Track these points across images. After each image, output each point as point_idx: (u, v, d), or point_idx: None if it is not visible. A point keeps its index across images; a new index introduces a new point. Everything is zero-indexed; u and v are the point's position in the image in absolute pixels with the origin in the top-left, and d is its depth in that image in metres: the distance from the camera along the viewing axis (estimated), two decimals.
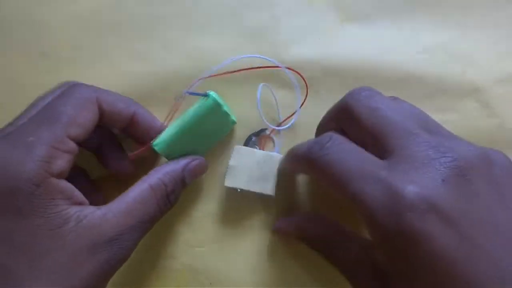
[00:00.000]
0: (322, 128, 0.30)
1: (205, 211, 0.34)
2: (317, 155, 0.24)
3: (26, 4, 0.37)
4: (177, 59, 0.36)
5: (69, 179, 0.26)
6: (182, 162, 0.30)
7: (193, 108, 0.31)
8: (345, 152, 0.23)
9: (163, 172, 0.29)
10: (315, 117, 0.31)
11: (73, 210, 0.24)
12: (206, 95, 0.31)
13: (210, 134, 0.32)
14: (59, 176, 0.24)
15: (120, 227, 0.25)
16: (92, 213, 0.25)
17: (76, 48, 0.36)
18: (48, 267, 0.23)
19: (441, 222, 0.19)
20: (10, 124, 0.27)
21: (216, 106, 0.30)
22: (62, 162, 0.25)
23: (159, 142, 0.30)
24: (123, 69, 0.36)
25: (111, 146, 0.33)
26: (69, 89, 0.28)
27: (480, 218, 0.20)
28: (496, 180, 0.21)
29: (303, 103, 0.34)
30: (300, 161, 0.26)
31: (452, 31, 0.36)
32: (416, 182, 0.20)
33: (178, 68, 0.36)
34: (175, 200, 0.29)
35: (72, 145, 0.26)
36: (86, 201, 0.26)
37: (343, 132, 0.26)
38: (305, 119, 0.34)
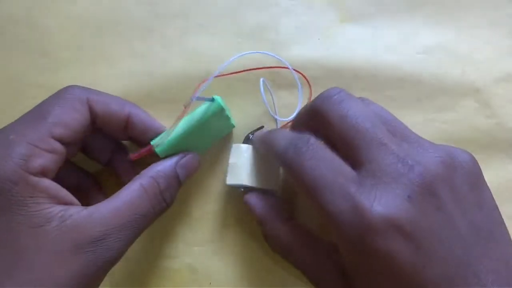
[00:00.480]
0: (298, 123, 0.30)
1: (204, 211, 0.34)
2: (291, 158, 0.24)
3: (26, 5, 0.37)
4: (177, 59, 0.36)
5: (67, 179, 0.26)
6: (173, 159, 0.29)
7: (198, 112, 0.30)
8: (319, 159, 0.24)
9: (155, 171, 0.28)
10: None
11: (57, 209, 0.24)
12: (212, 100, 0.30)
13: (210, 136, 0.32)
14: (40, 174, 0.24)
15: (106, 227, 0.24)
16: (78, 213, 0.24)
17: (76, 48, 0.36)
18: (29, 265, 0.22)
19: (402, 238, 0.21)
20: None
21: (221, 111, 0.30)
22: (44, 161, 0.24)
23: (161, 144, 0.30)
24: (122, 69, 0.36)
25: (122, 161, 0.32)
26: (59, 90, 0.28)
27: (440, 228, 0.21)
28: (458, 186, 0.23)
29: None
30: (274, 156, 0.26)
31: (451, 31, 0.36)
32: (382, 201, 0.21)
33: (177, 68, 0.36)
34: (170, 198, 0.29)
35: (57, 145, 0.25)
36: (76, 201, 0.26)
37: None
38: None
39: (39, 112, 0.26)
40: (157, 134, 0.31)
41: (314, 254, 0.28)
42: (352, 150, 0.24)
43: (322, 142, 0.25)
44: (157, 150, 0.30)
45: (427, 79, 0.35)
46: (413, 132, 0.26)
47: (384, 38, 0.36)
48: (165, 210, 0.29)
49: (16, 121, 0.26)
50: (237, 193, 0.33)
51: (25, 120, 0.26)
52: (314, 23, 0.36)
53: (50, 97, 0.27)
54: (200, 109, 0.30)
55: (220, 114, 0.30)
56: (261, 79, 0.32)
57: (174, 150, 0.30)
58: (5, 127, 0.26)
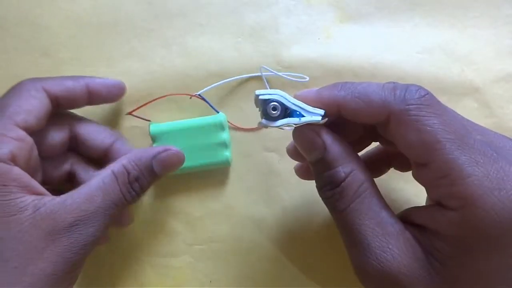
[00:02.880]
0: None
1: (205, 210, 0.34)
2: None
3: (26, 4, 0.37)
4: (177, 58, 0.36)
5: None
6: (153, 150, 0.28)
7: (200, 118, 0.33)
8: (447, 115, 0.21)
9: (128, 159, 0.27)
10: None
11: (30, 198, 0.24)
12: (217, 112, 0.33)
13: (202, 150, 0.33)
14: (10, 161, 0.24)
15: (79, 213, 0.24)
16: (51, 201, 0.24)
17: (76, 47, 0.36)
18: (4, 255, 0.22)
19: None
20: None
21: (219, 124, 0.32)
22: (12, 147, 0.24)
23: (155, 123, 0.32)
24: (122, 69, 0.36)
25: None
26: (13, 86, 0.29)
27: None
28: None
29: None
30: (368, 107, 0.22)
31: (451, 31, 0.36)
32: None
33: (177, 68, 0.36)
34: (140, 189, 0.28)
35: (21, 133, 0.26)
36: (47, 192, 0.26)
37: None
38: None
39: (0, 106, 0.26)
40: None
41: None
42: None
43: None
44: (151, 127, 0.32)
45: (426, 79, 0.35)
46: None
47: (383, 38, 0.36)
48: (137, 200, 0.28)
49: None
50: (237, 192, 0.33)
51: None
52: (314, 23, 0.36)
53: (5, 93, 0.28)
54: (203, 117, 0.33)
55: (218, 127, 0.32)
56: (261, 67, 0.32)
57: (166, 137, 0.32)
58: None
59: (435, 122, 0.21)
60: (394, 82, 0.23)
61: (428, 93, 0.22)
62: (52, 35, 0.36)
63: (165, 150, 0.29)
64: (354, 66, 0.35)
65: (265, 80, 0.33)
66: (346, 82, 0.24)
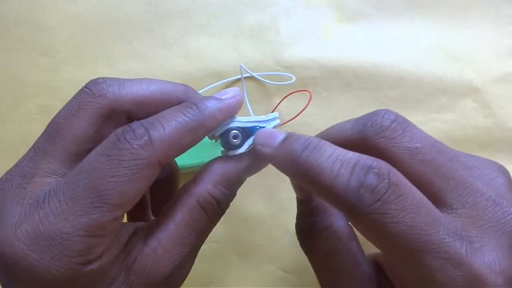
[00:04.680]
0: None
1: None
2: (367, 207, 0.18)
3: (26, 4, 0.37)
4: (176, 58, 0.36)
5: None
6: (241, 164, 0.23)
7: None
8: (411, 211, 0.18)
9: (214, 183, 0.23)
10: (315, 116, 0.31)
11: (117, 264, 0.20)
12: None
13: (202, 152, 0.30)
14: (99, 259, 0.20)
15: (174, 262, 0.21)
16: (141, 255, 0.21)
17: (76, 48, 0.36)
18: None
19: None
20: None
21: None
22: (102, 248, 0.20)
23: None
24: (122, 69, 0.36)
25: None
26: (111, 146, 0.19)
27: None
28: None
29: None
30: (331, 197, 0.19)
31: (450, 31, 0.36)
32: (495, 263, 0.18)
33: (177, 68, 0.36)
34: (227, 206, 0.24)
35: (117, 226, 0.21)
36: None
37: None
38: (305, 119, 0.34)
39: (94, 189, 0.19)
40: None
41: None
42: (434, 191, 0.20)
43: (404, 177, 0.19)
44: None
45: (426, 79, 0.35)
46: (469, 154, 0.23)
47: (383, 38, 0.36)
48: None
49: (64, 197, 0.19)
50: (238, 192, 0.33)
51: (77, 200, 0.19)
52: (314, 23, 0.36)
53: (102, 159, 0.19)
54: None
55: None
56: (241, 64, 0.31)
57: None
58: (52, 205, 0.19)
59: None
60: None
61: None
62: (52, 35, 0.36)
63: (256, 160, 0.24)
64: (354, 66, 0.35)
65: (243, 82, 0.33)
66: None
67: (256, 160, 0.24)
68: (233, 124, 0.23)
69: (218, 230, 0.34)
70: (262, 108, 0.35)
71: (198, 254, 0.34)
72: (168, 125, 0.20)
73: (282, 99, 0.34)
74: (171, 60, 0.36)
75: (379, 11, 0.36)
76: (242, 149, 0.23)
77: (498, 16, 0.36)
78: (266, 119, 0.24)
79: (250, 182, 0.35)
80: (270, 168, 0.35)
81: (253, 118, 0.23)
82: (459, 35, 0.36)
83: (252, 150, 0.24)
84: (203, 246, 0.34)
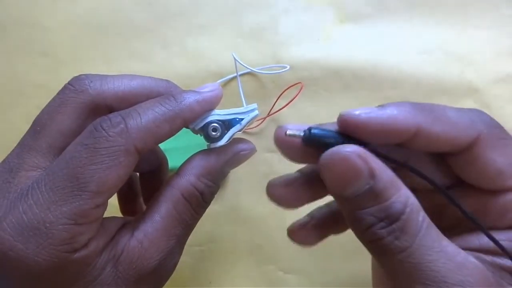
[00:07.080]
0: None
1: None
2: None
3: (26, 5, 0.37)
4: (176, 58, 0.36)
5: None
6: (225, 156, 0.24)
7: None
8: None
9: (197, 175, 0.23)
10: (315, 116, 0.31)
11: (105, 255, 0.21)
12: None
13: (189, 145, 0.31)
14: (85, 247, 0.21)
15: (160, 254, 0.22)
16: (127, 246, 0.21)
17: (76, 48, 0.36)
18: None
19: None
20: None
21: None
22: (88, 236, 0.21)
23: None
24: (122, 69, 0.36)
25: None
26: (95, 138, 0.20)
27: None
28: None
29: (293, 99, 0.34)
30: (456, 131, 0.20)
31: (450, 32, 0.36)
32: None
33: (177, 68, 0.36)
34: (212, 198, 0.25)
35: (100, 213, 0.21)
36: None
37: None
38: (305, 119, 0.34)
39: (73, 177, 0.19)
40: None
41: None
42: None
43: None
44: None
45: (426, 79, 0.35)
46: None
47: (383, 39, 0.36)
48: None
49: (45, 188, 0.19)
50: (237, 192, 0.33)
51: (57, 190, 0.19)
52: (313, 23, 0.36)
53: (79, 148, 0.20)
54: None
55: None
56: (232, 53, 0.30)
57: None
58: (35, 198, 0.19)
59: None
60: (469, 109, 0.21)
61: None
62: (52, 35, 0.36)
63: (238, 152, 0.24)
64: (353, 67, 0.35)
65: (238, 79, 0.33)
66: (417, 104, 0.20)
67: (236, 153, 0.24)
68: (212, 117, 0.23)
69: (218, 230, 0.34)
70: (259, 104, 0.34)
71: (198, 254, 0.34)
72: (145, 114, 0.21)
73: (280, 95, 0.34)
74: (171, 61, 0.36)
75: (379, 11, 0.36)
76: (222, 142, 0.23)
77: (499, 16, 0.36)
78: (245, 110, 0.24)
79: (251, 182, 0.35)
80: (270, 168, 0.35)
81: (232, 110, 0.24)
82: (459, 35, 0.36)
83: (232, 143, 0.24)
84: (202, 247, 0.34)
